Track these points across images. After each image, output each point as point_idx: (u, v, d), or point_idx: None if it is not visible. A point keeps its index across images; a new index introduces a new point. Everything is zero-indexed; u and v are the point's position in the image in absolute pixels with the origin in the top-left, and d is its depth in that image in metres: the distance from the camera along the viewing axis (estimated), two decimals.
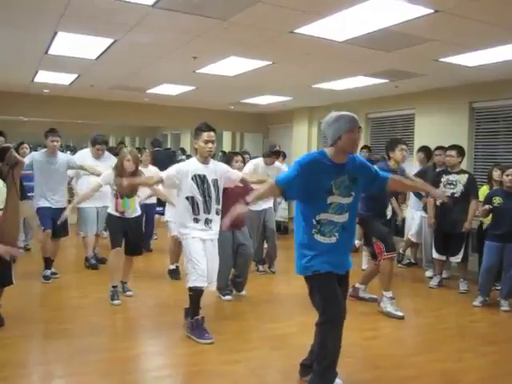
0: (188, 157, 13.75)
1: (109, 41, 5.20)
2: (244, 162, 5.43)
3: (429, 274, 6.36)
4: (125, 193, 4.77)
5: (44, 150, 5.72)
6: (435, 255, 5.94)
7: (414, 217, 6.80)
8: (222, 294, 5.12)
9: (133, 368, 3.42)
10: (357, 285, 5.23)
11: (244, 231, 5.18)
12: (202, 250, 3.97)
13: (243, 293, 5.28)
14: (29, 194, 6.22)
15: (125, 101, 10.08)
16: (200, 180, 3.96)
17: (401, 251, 7.17)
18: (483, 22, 4.11)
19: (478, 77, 6.27)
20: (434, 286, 5.91)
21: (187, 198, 3.96)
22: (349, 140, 2.82)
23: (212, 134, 4.00)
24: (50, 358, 3.61)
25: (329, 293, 2.88)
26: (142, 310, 4.78)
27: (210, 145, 3.97)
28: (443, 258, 5.90)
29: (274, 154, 6.27)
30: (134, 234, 5.00)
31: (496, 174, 5.64)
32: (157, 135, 19.15)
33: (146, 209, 7.00)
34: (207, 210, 3.99)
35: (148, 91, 8.76)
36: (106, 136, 6.55)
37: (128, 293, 5.09)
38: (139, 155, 5.01)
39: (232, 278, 5.28)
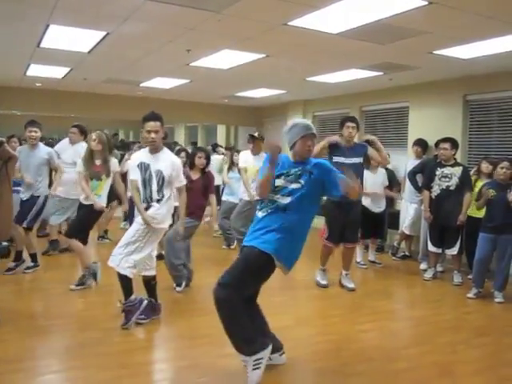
0: (178, 152, 13.67)
1: (101, 33, 5.16)
2: (208, 158, 5.18)
3: (423, 266, 6.38)
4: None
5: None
6: (431, 248, 5.96)
7: (409, 209, 6.82)
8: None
9: (128, 362, 3.41)
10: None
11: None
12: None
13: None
14: (16, 188, 6.15)
15: (118, 94, 10.03)
16: (144, 168, 3.92)
17: (395, 244, 7.19)
18: (477, 14, 4.11)
19: (473, 69, 6.27)
20: (429, 279, 5.93)
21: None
22: (301, 146, 3.09)
23: (153, 123, 3.85)
24: (45, 353, 3.60)
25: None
26: None
27: (152, 135, 3.85)
28: (439, 250, 5.92)
29: (251, 138, 6.23)
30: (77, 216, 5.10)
31: (484, 166, 5.82)
32: None
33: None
34: (146, 200, 3.95)
35: (142, 84, 8.71)
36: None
37: None
38: (106, 138, 4.91)
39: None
